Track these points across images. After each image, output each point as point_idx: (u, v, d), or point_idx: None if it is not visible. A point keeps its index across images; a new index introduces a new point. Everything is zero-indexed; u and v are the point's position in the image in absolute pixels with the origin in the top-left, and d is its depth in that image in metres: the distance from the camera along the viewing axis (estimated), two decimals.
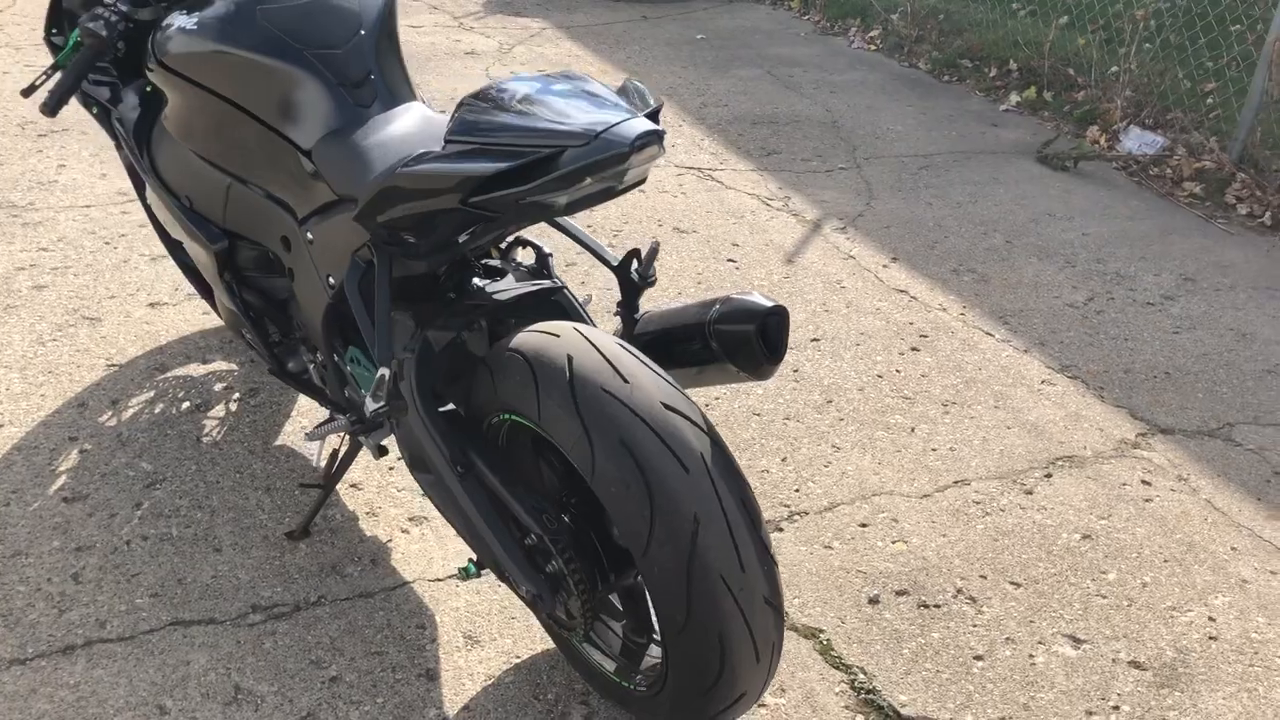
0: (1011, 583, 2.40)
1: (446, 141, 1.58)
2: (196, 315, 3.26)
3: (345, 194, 1.89)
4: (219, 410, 2.85)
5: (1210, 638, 2.27)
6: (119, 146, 2.50)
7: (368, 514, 2.50)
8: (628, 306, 2.00)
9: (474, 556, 1.99)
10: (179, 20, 2.06)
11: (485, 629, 2.20)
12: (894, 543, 2.50)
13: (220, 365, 3.04)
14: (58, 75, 2.34)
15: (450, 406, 1.91)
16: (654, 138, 1.45)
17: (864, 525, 2.55)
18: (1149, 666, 2.18)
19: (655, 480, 1.58)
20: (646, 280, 1.97)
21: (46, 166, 4.20)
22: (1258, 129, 4.70)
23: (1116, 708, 2.09)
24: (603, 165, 1.44)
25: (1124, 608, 2.35)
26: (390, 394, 1.78)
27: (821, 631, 2.23)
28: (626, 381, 1.65)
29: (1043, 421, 3.01)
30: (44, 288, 3.33)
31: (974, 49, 6.33)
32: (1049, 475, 2.78)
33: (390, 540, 2.43)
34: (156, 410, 2.83)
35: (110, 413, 2.80)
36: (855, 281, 3.75)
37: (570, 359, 1.68)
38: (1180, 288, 3.88)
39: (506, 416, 1.83)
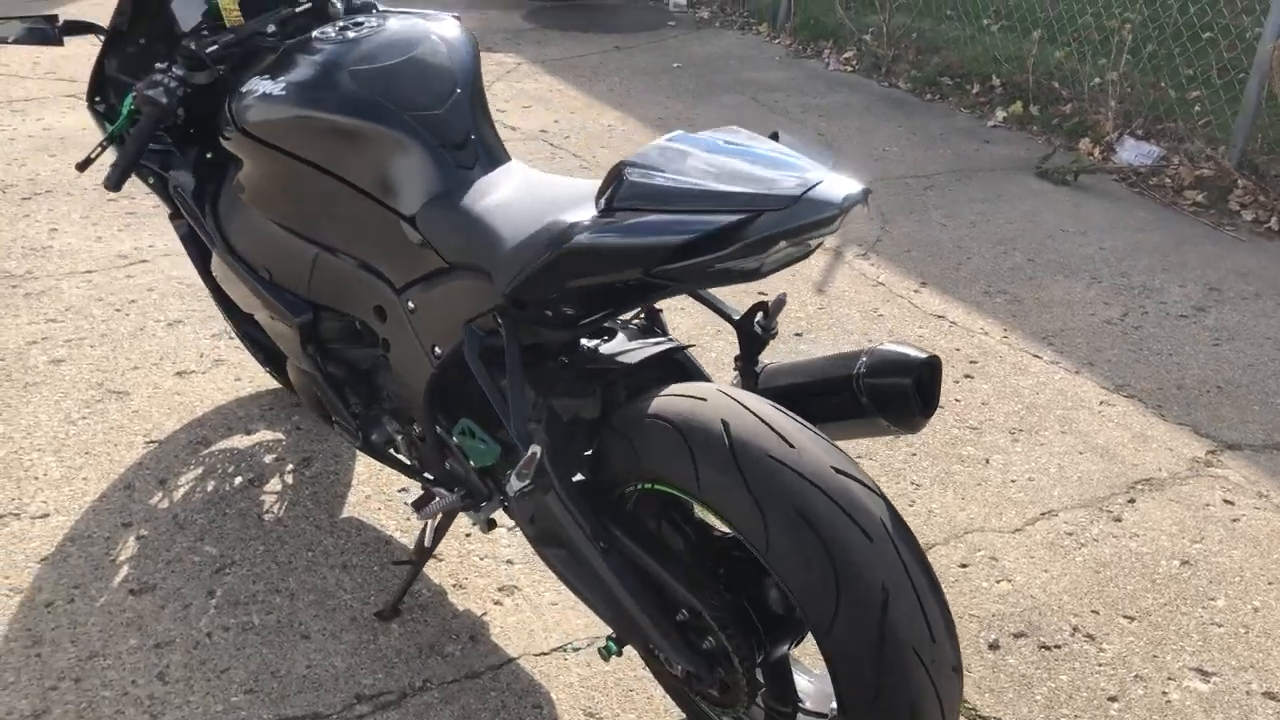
0: (1125, 616, 2.35)
1: (612, 209, 1.49)
2: (229, 383, 3.13)
3: (460, 262, 1.80)
4: (275, 484, 2.72)
5: None
6: (175, 216, 2.37)
7: (455, 586, 2.39)
8: (748, 361, 1.92)
9: (613, 634, 1.89)
10: (262, 85, 1.95)
11: (606, 705, 2.10)
12: (998, 582, 2.44)
13: (266, 435, 2.91)
14: (111, 147, 2.22)
15: (579, 476, 1.82)
16: (860, 196, 1.38)
17: (964, 566, 2.49)
18: None
19: (839, 552, 1.50)
20: (770, 334, 1.90)
21: (38, 231, 4.03)
22: (1257, 135, 4.75)
23: None
24: (809, 228, 1.37)
25: (1243, 635, 2.31)
26: (538, 471, 1.68)
27: None
28: (792, 446, 1.57)
29: (1112, 444, 2.98)
30: (62, 361, 3.17)
31: (953, 66, 6.37)
32: (1132, 500, 2.74)
33: (485, 614, 2.32)
34: (209, 488, 2.69)
35: (160, 493, 2.66)
36: (891, 309, 3.71)
37: (726, 425, 1.60)
38: (1208, 298, 3.89)
39: (645, 486, 1.74)
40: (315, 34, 2.02)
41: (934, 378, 1.74)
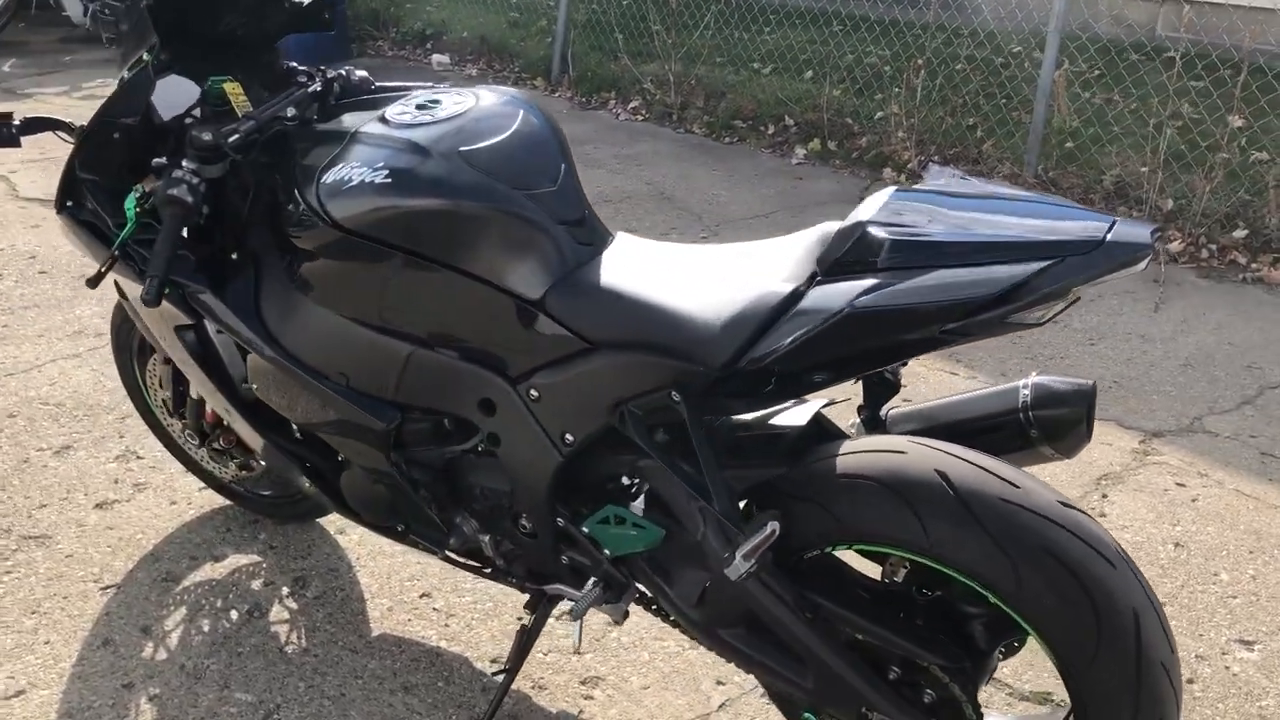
0: None
1: (874, 268, 1.46)
2: (164, 508, 2.79)
3: (615, 340, 1.70)
4: (279, 611, 2.44)
5: None
6: (184, 328, 2.08)
7: (535, 689, 2.24)
8: (873, 408, 1.93)
9: (812, 705, 1.82)
10: (355, 175, 1.76)
11: None
12: None
13: (239, 559, 2.61)
14: (116, 255, 1.94)
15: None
16: (1154, 236, 1.42)
17: None
18: None
19: (1092, 583, 1.53)
20: (898, 381, 1.91)
21: None
22: (1053, 154, 5.27)
23: None
24: (1116, 269, 1.39)
25: (1258, 602, 2.54)
26: (756, 550, 1.61)
27: None
28: (1017, 487, 1.59)
29: None
30: None
31: (744, 110, 6.65)
32: (1105, 495, 2.96)
33: (581, 712, 2.18)
34: (205, 627, 2.38)
35: (149, 643, 2.33)
36: None
37: (944, 475, 1.60)
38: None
39: (833, 549, 1.71)
40: (389, 115, 1.86)
41: (1092, 404, 1.81)
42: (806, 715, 1.85)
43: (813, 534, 1.70)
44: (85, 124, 2.05)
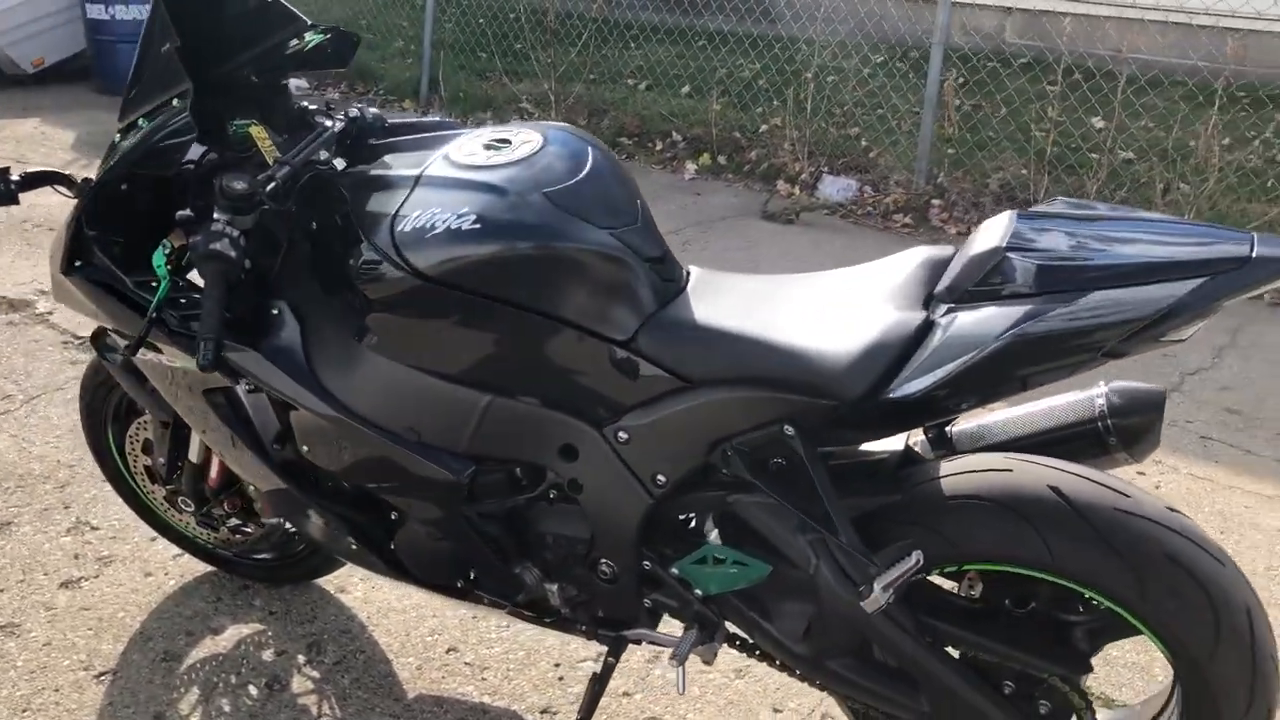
0: None
1: (1017, 295, 1.47)
2: (139, 580, 2.59)
3: (718, 378, 1.67)
4: (301, 681, 2.30)
5: None
6: (214, 390, 1.93)
7: None
8: (939, 427, 1.95)
9: None
10: (436, 220, 1.66)
11: None
12: None
13: (240, 630, 2.45)
14: (155, 316, 1.79)
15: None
16: None
17: None
18: None
19: (1209, 583, 1.59)
20: None
21: None
22: (945, 162, 5.47)
23: None
24: (1264, 283, 1.44)
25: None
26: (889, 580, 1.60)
27: None
28: (1128, 496, 1.65)
29: None
30: None
31: (628, 126, 6.66)
32: None
33: None
34: (225, 708, 2.22)
35: None
36: None
37: (1057, 490, 1.64)
38: None
39: (943, 570, 1.73)
40: (455, 156, 1.77)
41: (1163, 409, 1.88)
42: None
43: (927, 558, 1.71)
44: (92, 177, 1.89)
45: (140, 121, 1.86)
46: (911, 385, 1.53)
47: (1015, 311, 1.48)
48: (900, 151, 5.76)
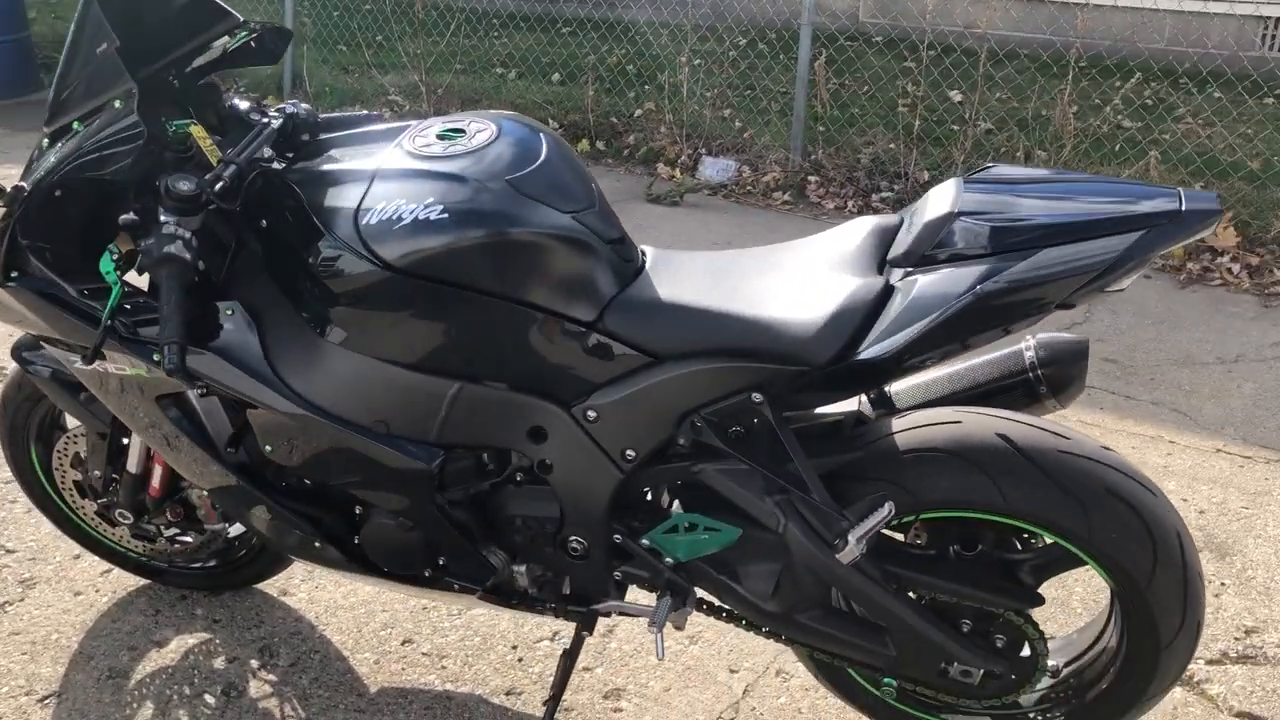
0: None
1: (975, 256, 1.57)
2: (69, 600, 2.52)
3: (685, 351, 1.73)
4: (259, 686, 2.28)
5: None
6: (164, 396, 1.89)
7: (564, 711, 2.22)
8: (880, 389, 2.05)
9: (889, 676, 1.93)
10: (402, 211, 1.67)
11: None
12: None
13: (185, 640, 2.40)
14: (110, 324, 1.75)
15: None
16: (1217, 202, 1.60)
17: None
18: None
19: (1146, 513, 1.74)
20: None
21: None
22: (820, 140, 5.64)
23: None
24: (1198, 232, 1.56)
25: None
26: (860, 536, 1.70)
27: None
28: (1068, 438, 1.78)
29: None
30: None
31: None
32: None
33: None
34: (183, 718, 2.18)
35: None
36: None
37: (1005, 437, 1.76)
38: None
39: (906, 519, 1.83)
40: (410, 147, 1.78)
41: (1087, 357, 2.01)
42: (887, 681, 1.97)
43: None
44: (23, 184, 1.83)
45: (75, 125, 1.81)
46: (881, 346, 1.62)
47: (974, 271, 1.59)
48: (775, 131, 5.92)
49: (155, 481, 2.22)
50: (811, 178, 5.60)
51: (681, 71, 5.97)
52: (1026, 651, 1.88)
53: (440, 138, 1.80)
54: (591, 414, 1.81)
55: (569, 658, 2.07)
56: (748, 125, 6.10)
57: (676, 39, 6.84)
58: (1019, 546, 1.88)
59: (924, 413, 1.84)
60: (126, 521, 2.30)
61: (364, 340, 1.78)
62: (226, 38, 1.98)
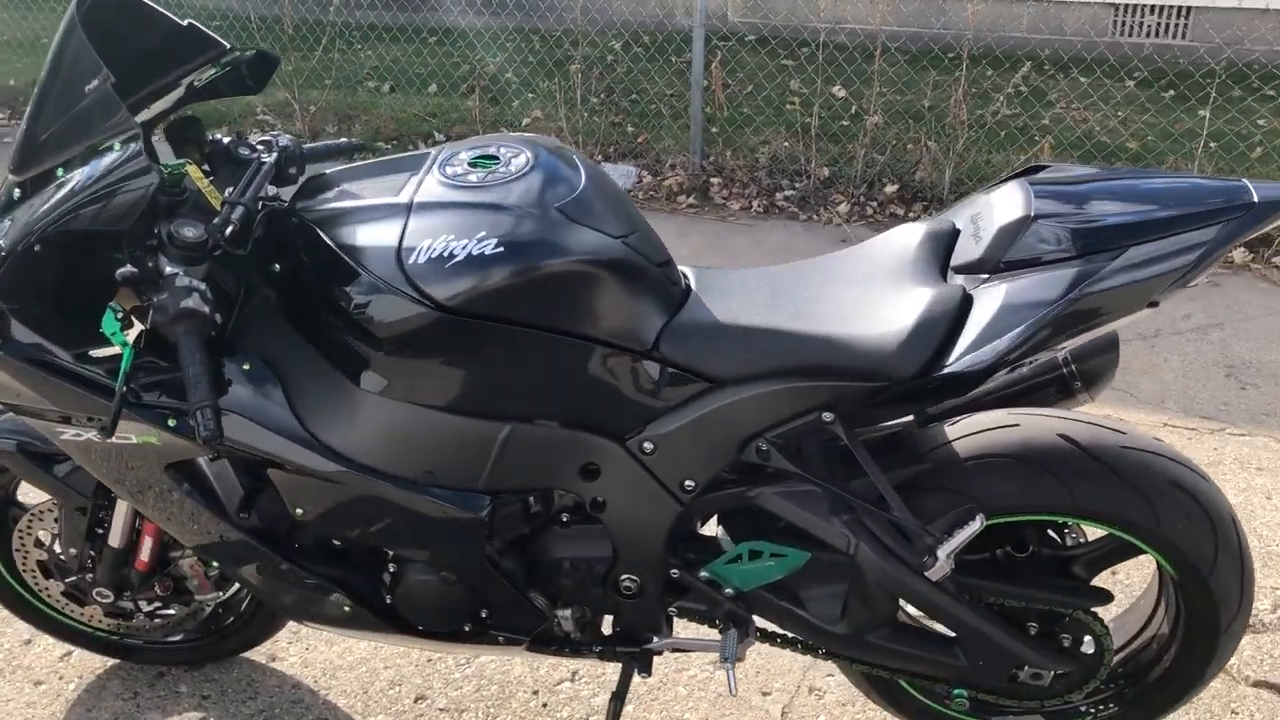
0: None
1: (1058, 259, 1.54)
2: (25, 692, 2.28)
3: (747, 375, 1.66)
4: None
5: None
6: (174, 465, 1.70)
7: None
8: None
9: (959, 688, 1.90)
10: (452, 247, 1.53)
11: None
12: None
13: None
14: (125, 391, 1.57)
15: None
16: None
17: None
18: None
19: (1205, 501, 1.76)
20: None
21: None
22: (719, 142, 5.63)
23: None
24: (1268, 224, 1.56)
25: None
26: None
27: None
28: (1124, 433, 1.78)
29: None
30: None
31: (384, 131, 6.43)
32: None
33: None
34: None
35: None
36: None
37: (1067, 437, 1.75)
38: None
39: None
40: (444, 179, 1.65)
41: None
42: (957, 693, 1.94)
43: (957, 521, 1.77)
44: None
45: (59, 172, 1.62)
46: (977, 355, 1.57)
47: (1068, 274, 1.56)
48: (672, 134, 5.89)
49: (144, 554, 2.03)
50: (714, 180, 5.59)
51: (574, 77, 5.87)
52: (1091, 649, 1.88)
53: (474, 165, 1.69)
54: (648, 446, 1.72)
55: (618, 700, 1.98)
56: (642, 130, 6.05)
57: (548, 44, 6.76)
58: (1066, 543, 1.89)
59: (977, 418, 1.81)
60: (105, 600, 2.10)
61: (408, 386, 1.65)
62: (212, 68, 1.82)
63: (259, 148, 1.83)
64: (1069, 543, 1.88)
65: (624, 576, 1.84)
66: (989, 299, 1.59)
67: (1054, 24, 7.13)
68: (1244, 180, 1.60)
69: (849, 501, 1.72)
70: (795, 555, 1.79)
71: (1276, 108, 5.77)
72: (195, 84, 1.84)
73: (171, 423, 1.67)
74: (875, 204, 5.32)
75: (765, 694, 2.28)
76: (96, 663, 2.35)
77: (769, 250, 4.84)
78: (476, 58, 7.02)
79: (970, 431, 1.80)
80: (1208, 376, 3.65)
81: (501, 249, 1.57)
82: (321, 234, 1.64)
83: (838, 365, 1.64)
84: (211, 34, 1.79)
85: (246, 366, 1.70)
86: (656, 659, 1.97)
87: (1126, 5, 7.23)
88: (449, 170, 1.68)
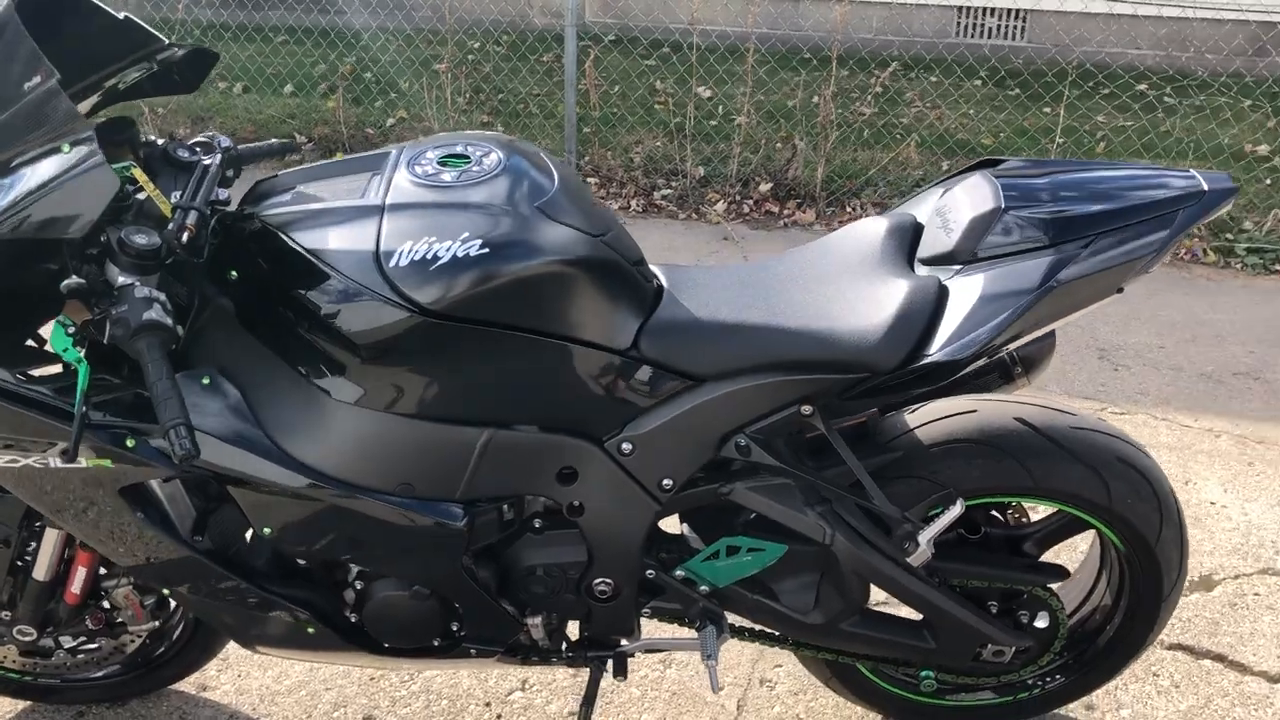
0: None
1: (1030, 249, 1.58)
2: None
3: (728, 370, 1.66)
4: None
5: None
6: (132, 489, 1.58)
7: None
8: None
9: (927, 670, 1.95)
10: (435, 249, 1.47)
11: None
12: None
13: None
14: (85, 411, 1.46)
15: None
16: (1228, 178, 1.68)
17: None
18: None
19: (1149, 475, 1.85)
20: None
21: None
22: (594, 142, 5.62)
23: None
24: (1219, 209, 1.64)
25: None
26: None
27: None
28: (1074, 414, 1.87)
29: None
30: None
31: (242, 133, 6.18)
32: None
33: None
34: None
35: None
36: None
37: (1023, 420, 1.82)
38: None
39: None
40: (415, 178, 1.59)
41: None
42: (924, 674, 1.99)
43: (913, 503, 1.82)
44: None
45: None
46: (960, 345, 1.60)
47: (1043, 263, 1.61)
48: (546, 133, 5.85)
49: (75, 586, 1.89)
50: (591, 179, 5.58)
51: (443, 76, 5.77)
52: (1046, 622, 1.95)
53: (444, 164, 1.63)
54: (626, 446, 1.70)
55: (588, 705, 1.95)
56: (513, 129, 5.99)
57: (401, 43, 6.63)
58: (1009, 523, 1.96)
59: (935, 405, 1.87)
60: (25, 638, 1.95)
61: (385, 395, 1.59)
62: (145, 64, 1.71)
63: (196, 150, 1.73)
64: (1011, 523, 1.96)
65: (598, 580, 1.81)
66: (965, 289, 1.64)
67: (902, 27, 7.41)
68: (1190, 169, 1.70)
69: (827, 492, 1.75)
70: (773, 549, 1.81)
71: (1115, 105, 6.13)
72: (120, 85, 1.73)
73: (130, 443, 1.56)
74: (751, 202, 5.41)
75: (719, 689, 2.28)
76: (4, 707, 2.18)
77: (652, 249, 4.84)
78: (333, 57, 6.82)
79: (931, 419, 1.85)
80: (1082, 360, 3.85)
81: (486, 250, 1.53)
82: (288, 239, 1.57)
83: (819, 358, 1.65)
84: (149, 28, 1.68)
85: (205, 381, 1.60)
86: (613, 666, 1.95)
87: (968, 8, 7.56)
88: (419, 169, 1.62)
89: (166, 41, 1.70)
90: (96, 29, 1.64)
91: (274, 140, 1.95)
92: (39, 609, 1.91)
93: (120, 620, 1.98)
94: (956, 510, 1.74)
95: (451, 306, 1.52)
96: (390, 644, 1.82)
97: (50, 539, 1.84)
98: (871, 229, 1.81)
